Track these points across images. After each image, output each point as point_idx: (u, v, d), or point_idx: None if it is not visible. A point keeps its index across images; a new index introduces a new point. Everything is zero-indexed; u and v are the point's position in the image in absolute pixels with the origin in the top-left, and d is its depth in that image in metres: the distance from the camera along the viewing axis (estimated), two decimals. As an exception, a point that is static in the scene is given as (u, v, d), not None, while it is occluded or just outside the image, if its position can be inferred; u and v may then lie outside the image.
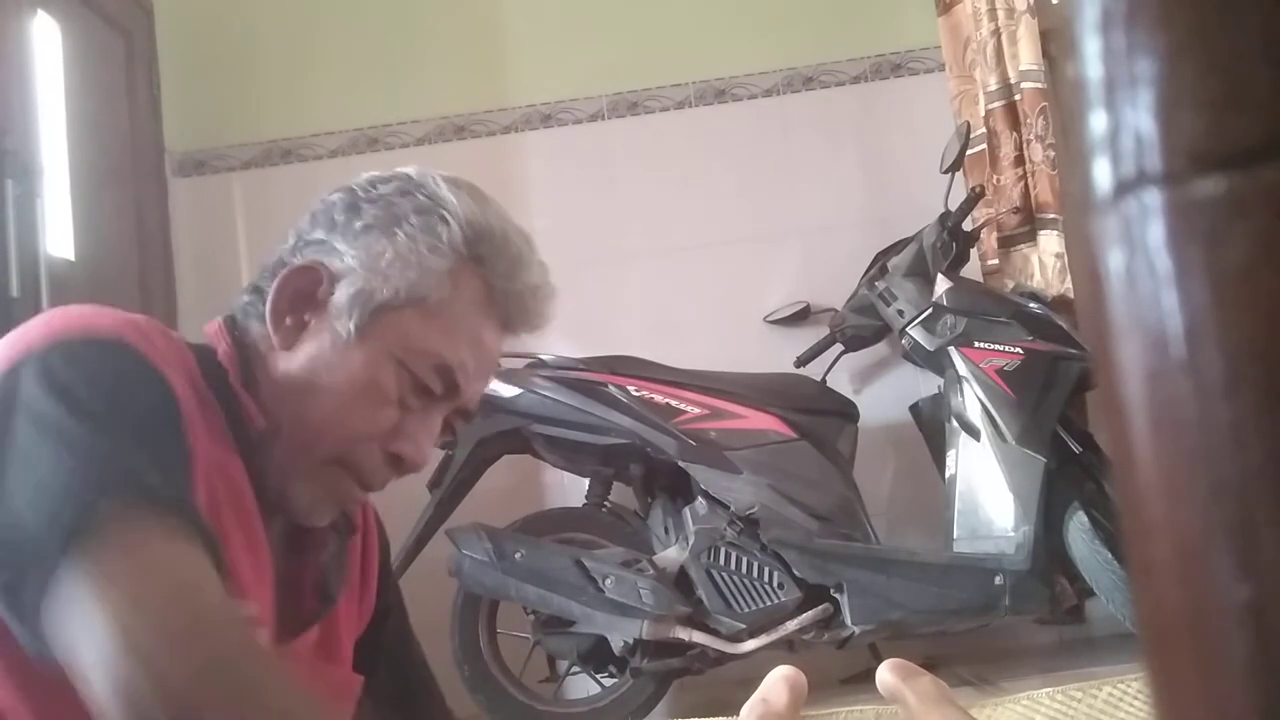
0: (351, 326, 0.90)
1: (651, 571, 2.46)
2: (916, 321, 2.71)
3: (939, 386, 2.79)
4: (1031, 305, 2.70)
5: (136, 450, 0.75)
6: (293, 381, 0.90)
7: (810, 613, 2.48)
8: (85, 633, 0.67)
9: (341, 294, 0.90)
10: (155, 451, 0.77)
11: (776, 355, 3.03)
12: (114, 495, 0.71)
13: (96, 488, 0.71)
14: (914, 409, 2.93)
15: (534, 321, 0.97)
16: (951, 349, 2.65)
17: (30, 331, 0.80)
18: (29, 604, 0.69)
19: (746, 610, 2.46)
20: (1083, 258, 0.21)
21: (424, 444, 0.92)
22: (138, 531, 0.71)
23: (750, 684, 0.63)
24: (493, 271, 0.93)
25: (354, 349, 0.90)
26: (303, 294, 0.92)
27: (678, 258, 3.26)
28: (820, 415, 2.72)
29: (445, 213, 0.92)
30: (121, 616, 0.67)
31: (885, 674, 0.60)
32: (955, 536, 2.59)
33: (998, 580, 2.46)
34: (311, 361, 0.90)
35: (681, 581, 2.49)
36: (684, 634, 2.45)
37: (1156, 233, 0.19)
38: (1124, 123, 0.20)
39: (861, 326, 2.91)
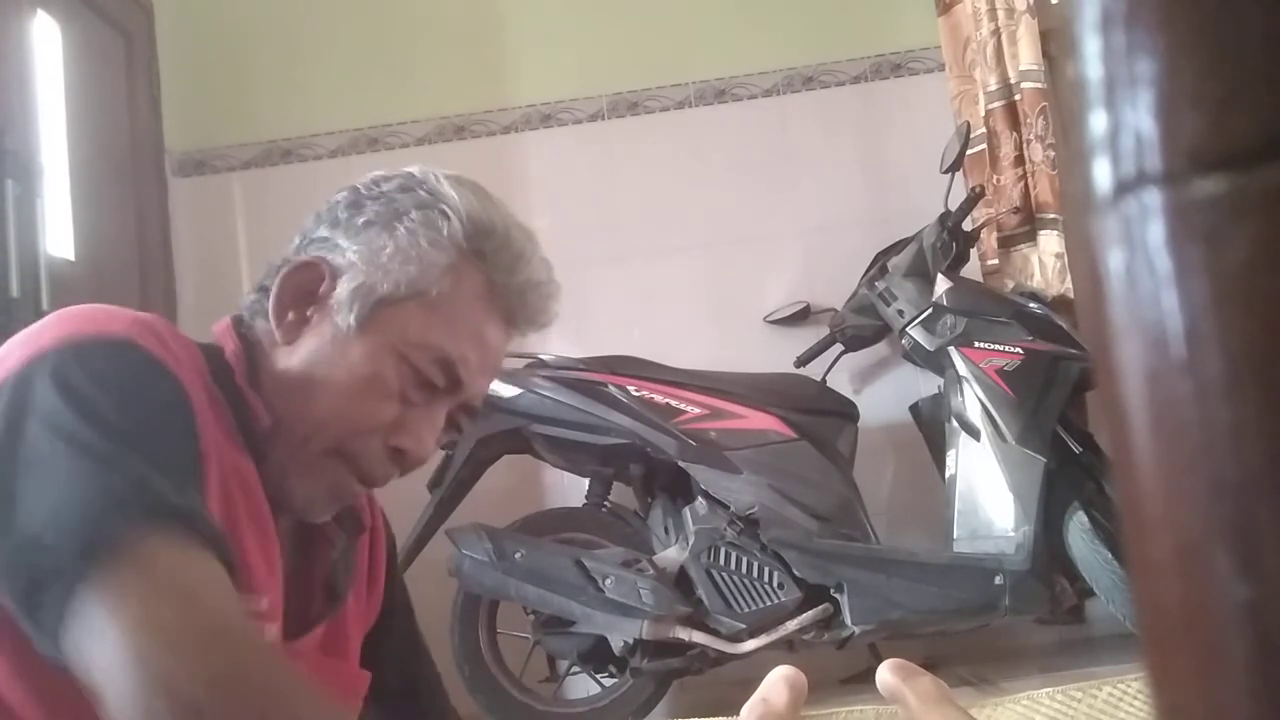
0: (352, 320, 0.90)
1: (651, 571, 2.46)
2: (916, 321, 2.71)
3: (939, 386, 2.79)
4: (1031, 305, 2.70)
5: (151, 459, 0.75)
6: (295, 376, 0.91)
7: (810, 613, 2.48)
8: (99, 651, 0.67)
9: (342, 289, 0.91)
10: (169, 459, 0.77)
11: (776, 355, 3.03)
12: (130, 511, 0.71)
13: (114, 504, 0.71)
14: (914, 409, 2.93)
15: (537, 318, 0.98)
16: (951, 349, 2.65)
17: (41, 333, 0.80)
18: (47, 615, 0.69)
19: (746, 610, 2.46)
20: (1083, 258, 0.21)
21: (426, 438, 0.92)
22: (152, 549, 0.71)
23: (750, 684, 0.63)
24: (494, 267, 0.94)
25: (354, 342, 0.90)
26: (304, 289, 0.93)
27: (678, 258, 3.26)
28: (820, 415, 2.72)
29: (446, 208, 0.93)
30: (134, 634, 0.67)
31: (885, 674, 0.60)
32: (955, 536, 2.59)
33: (998, 580, 2.46)
34: (313, 356, 0.91)
35: (681, 581, 2.49)
36: (684, 634, 2.45)
37: (1156, 233, 0.19)
38: (1124, 123, 0.20)
39: (861, 326, 2.91)
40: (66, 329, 0.80)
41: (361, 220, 0.93)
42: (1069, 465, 2.57)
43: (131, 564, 0.69)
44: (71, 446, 0.73)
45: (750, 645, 2.46)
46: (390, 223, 0.92)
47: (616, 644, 2.47)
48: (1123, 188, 0.20)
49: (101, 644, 0.67)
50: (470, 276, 0.93)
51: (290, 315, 0.92)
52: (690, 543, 2.51)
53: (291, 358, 0.92)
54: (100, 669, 0.67)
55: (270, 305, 0.92)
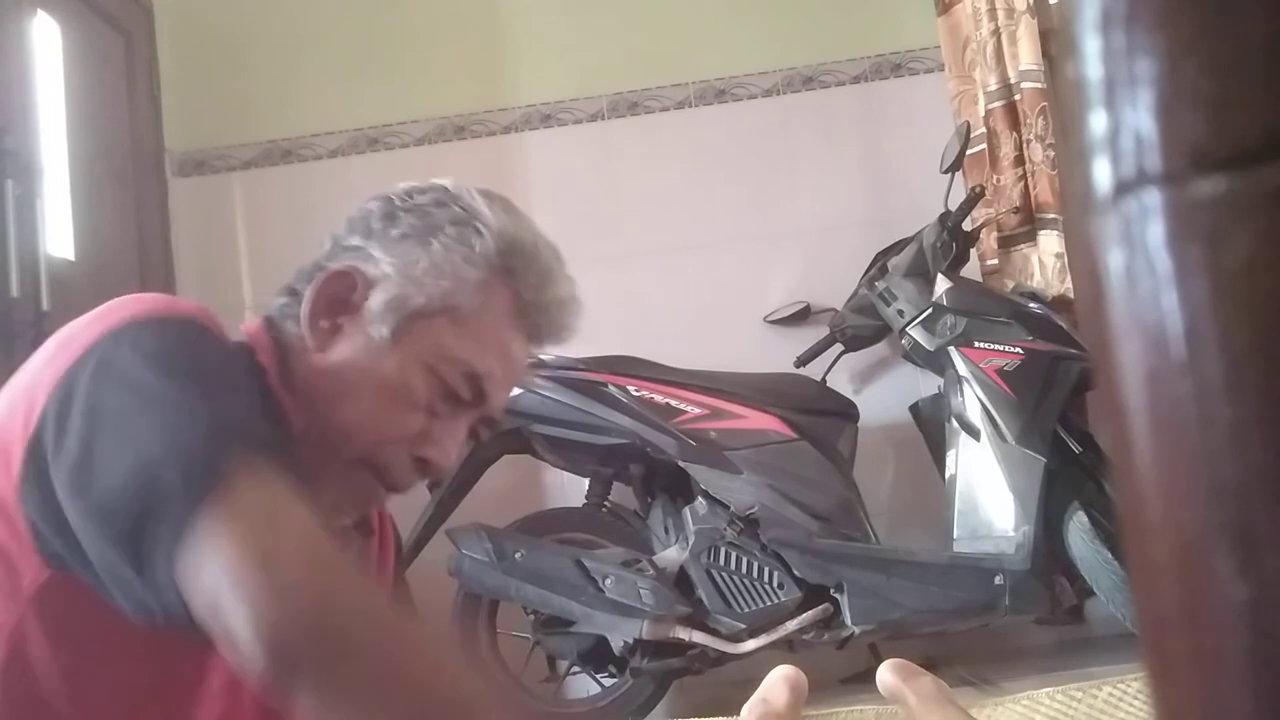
0: (385, 331, 0.92)
1: (651, 571, 2.46)
2: (916, 321, 2.71)
3: (939, 386, 2.79)
4: (1031, 305, 2.70)
5: (229, 399, 0.78)
6: (325, 383, 0.92)
7: (810, 613, 2.48)
8: (216, 569, 0.68)
9: (376, 300, 0.93)
10: (244, 399, 0.81)
11: (776, 355, 3.03)
12: (227, 446, 0.72)
13: (213, 438, 0.73)
14: (914, 409, 2.93)
15: (560, 334, 1.00)
16: (951, 349, 2.65)
17: (110, 313, 0.83)
18: (159, 545, 0.69)
19: (746, 610, 2.46)
20: (1083, 258, 0.21)
21: (450, 449, 0.94)
22: (252, 478, 0.72)
23: (750, 684, 0.63)
24: (523, 284, 0.96)
25: (387, 354, 0.92)
26: (338, 298, 0.94)
27: (678, 258, 3.26)
28: (820, 415, 2.72)
29: (480, 225, 0.95)
30: (249, 551, 0.68)
31: (885, 674, 0.60)
32: (955, 536, 2.59)
33: (998, 580, 2.46)
34: (345, 364, 0.93)
35: (681, 581, 2.49)
36: (684, 634, 2.45)
37: (1156, 233, 0.19)
38: (1124, 123, 0.20)
39: (861, 326, 2.91)
40: (137, 309, 0.83)
41: (396, 232, 0.95)
42: (1069, 465, 2.57)
43: (238, 492, 0.71)
44: (155, 399, 0.76)
45: (750, 645, 2.46)
46: (425, 237, 0.94)
47: (616, 644, 2.47)
48: (1123, 188, 0.20)
49: (216, 563, 0.68)
50: (499, 293, 0.95)
51: (323, 322, 0.94)
52: (690, 543, 2.51)
53: (323, 365, 0.93)
54: (216, 586, 0.68)
55: (303, 312, 0.94)
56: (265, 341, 0.95)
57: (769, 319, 3.16)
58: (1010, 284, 2.95)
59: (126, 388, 0.76)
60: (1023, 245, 2.97)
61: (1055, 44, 2.87)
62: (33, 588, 0.79)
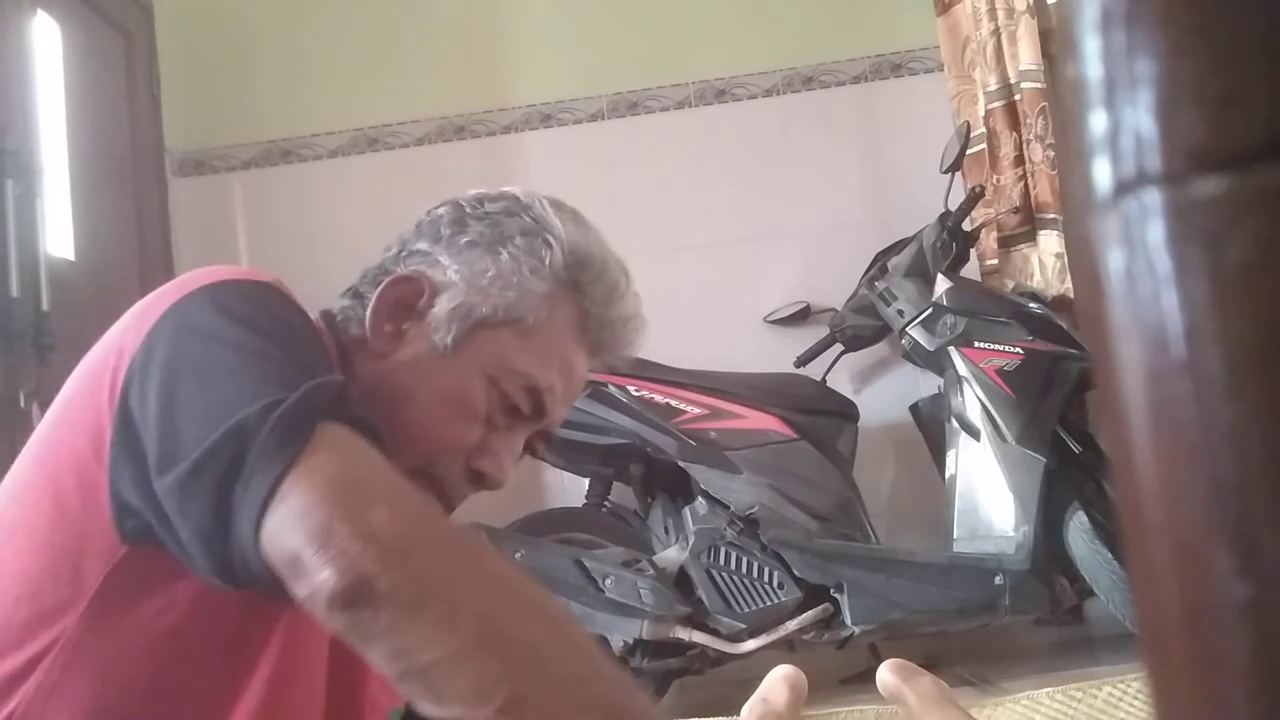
0: (449, 339, 0.91)
1: (651, 571, 2.46)
2: (916, 321, 2.71)
3: (939, 386, 2.79)
4: (1031, 305, 2.70)
5: (316, 360, 0.78)
6: (386, 388, 0.91)
7: (810, 613, 2.48)
8: (305, 520, 0.66)
9: (441, 307, 0.92)
10: (325, 361, 0.80)
11: (776, 355, 3.03)
12: (312, 404, 0.71)
13: (300, 396, 0.70)
14: (914, 409, 2.93)
15: (622, 351, 1.00)
16: (951, 349, 2.65)
17: (188, 281, 0.83)
18: (246, 506, 0.68)
19: (746, 610, 2.46)
20: (1083, 258, 0.21)
21: (505, 462, 0.94)
22: (337, 437, 0.70)
23: (750, 684, 0.63)
24: (589, 298, 0.95)
25: (449, 361, 0.91)
26: (404, 303, 0.94)
27: (678, 258, 3.26)
28: (820, 415, 2.72)
29: (550, 236, 0.94)
30: (344, 499, 0.66)
31: (885, 674, 0.60)
32: (955, 536, 2.59)
33: (998, 580, 2.46)
34: (406, 370, 0.92)
35: (681, 581, 2.49)
36: (684, 634, 2.45)
37: (1156, 233, 0.19)
38: (1124, 123, 0.20)
39: (861, 326, 2.91)
40: (217, 274, 0.83)
41: (465, 240, 0.94)
42: (1069, 465, 2.57)
43: (324, 448, 0.69)
44: (239, 354, 0.75)
45: (750, 645, 2.46)
46: (494, 246, 0.94)
47: (616, 644, 2.47)
48: (1123, 188, 0.20)
49: (302, 519, 0.66)
50: (565, 306, 0.94)
51: (388, 326, 0.94)
52: (690, 543, 2.51)
53: (384, 369, 0.92)
54: (301, 541, 0.65)
55: (368, 315, 0.93)
56: (330, 337, 0.94)
57: (769, 319, 3.16)
58: (1010, 284, 2.95)
59: (209, 342, 0.76)
60: (1023, 245, 2.97)
61: (1055, 44, 2.87)
62: (108, 565, 0.79)
